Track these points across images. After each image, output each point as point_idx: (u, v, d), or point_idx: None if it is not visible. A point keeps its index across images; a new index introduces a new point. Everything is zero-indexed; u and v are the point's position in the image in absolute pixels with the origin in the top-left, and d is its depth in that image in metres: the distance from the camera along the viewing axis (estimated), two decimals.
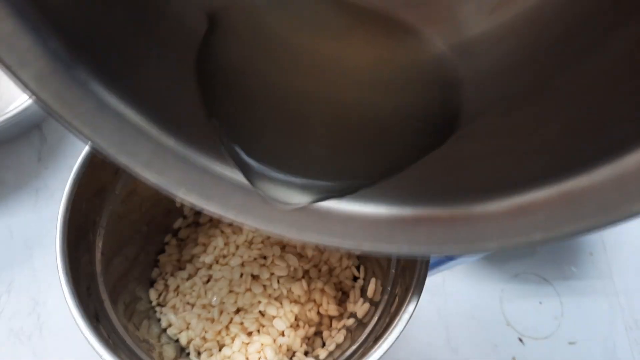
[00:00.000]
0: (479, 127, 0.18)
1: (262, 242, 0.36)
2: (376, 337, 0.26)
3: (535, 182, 0.15)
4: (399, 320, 0.24)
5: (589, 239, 0.51)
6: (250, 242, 0.36)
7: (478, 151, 0.17)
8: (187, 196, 0.19)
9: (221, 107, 0.20)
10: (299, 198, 0.18)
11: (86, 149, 0.26)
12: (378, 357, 0.24)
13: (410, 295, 0.25)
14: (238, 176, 0.19)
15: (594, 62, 0.15)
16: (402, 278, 0.28)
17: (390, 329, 0.24)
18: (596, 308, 0.47)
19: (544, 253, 0.50)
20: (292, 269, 0.35)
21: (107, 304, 0.29)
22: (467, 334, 0.45)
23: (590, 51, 0.15)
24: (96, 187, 0.28)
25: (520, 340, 0.45)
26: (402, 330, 0.24)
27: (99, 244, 0.29)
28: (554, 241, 0.14)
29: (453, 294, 0.47)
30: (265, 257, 0.35)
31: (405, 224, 0.17)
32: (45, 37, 0.15)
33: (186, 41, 0.20)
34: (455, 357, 0.44)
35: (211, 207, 0.19)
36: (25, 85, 0.15)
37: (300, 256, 0.35)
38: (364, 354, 0.25)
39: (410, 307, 0.24)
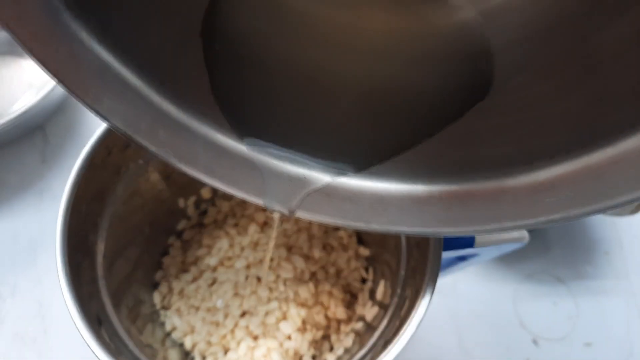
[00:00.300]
0: (501, 98, 0.17)
1: (268, 243, 0.35)
2: (386, 341, 0.25)
3: (557, 155, 0.14)
4: (410, 323, 0.23)
5: (605, 238, 0.49)
6: (256, 244, 0.35)
7: (498, 124, 0.16)
8: (188, 168, 0.18)
9: (227, 81, 0.19)
10: (311, 178, 0.17)
11: (85, 149, 0.26)
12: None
13: (420, 297, 0.24)
14: (243, 149, 0.18)
15: (625, 26, 0.14)
16: (412, 279, 0.27)
17: (401, 332, 0.23)
18: (612, 308, 0.46)
19: (558, 252, 0.48)
20: (298, 270, 0.34)
21: (109, 308, 0.28)
22: (479, 336, 0.44)
23: (620, 14, 0.14)
24: (96, 188, 0.28)
25: (534, 341, 0.44)
26: (413, 334, 0.23)
27: (101, 247, 0.29)
28: (575, 219, 0.13)
29: (465, 295, 0.46)
30: (271, 259, 0.34)
31: (418, 201, 0.16)
32: None
33: (192, 5, 0.19)
34: None
35: (212, 181, 0.18)
36: (24, 45, 0.14)
37: (307, 258, 0.34)
38: (373, 358, 0.24)
39: (421, 310, 0.23)
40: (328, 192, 0.17)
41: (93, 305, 0.26)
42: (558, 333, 0.45)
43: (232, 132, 0.18)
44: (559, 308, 0.46)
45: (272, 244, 0.28)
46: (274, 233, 0.26)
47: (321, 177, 0.18)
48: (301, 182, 0.18)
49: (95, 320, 0.26)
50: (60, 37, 0.15)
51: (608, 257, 0.49)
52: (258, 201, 0.18)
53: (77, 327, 0.23)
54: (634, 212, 0.40)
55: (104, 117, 0.16)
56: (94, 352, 0.22)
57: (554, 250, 0.48)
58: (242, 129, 0.18)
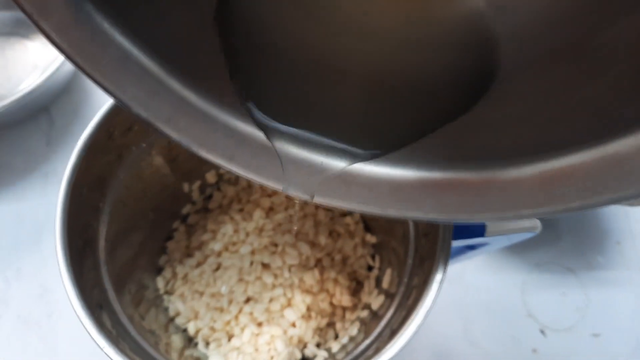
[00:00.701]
0: (514, 87, 0.17)
1: (273, 229, 0.34)
2: (392, 330, 0.25)
3: (574, 145, 0.14)
4: (417, 313, 0.23)
5: (617, 228, 0.49)
6: (261, 229, 0.34)
7: (513, 112, 0.16)
8: (208, 154, 0.18)
9: (243, 65, 0.19)
10: (329, 164, 0.18)
11: (86, 133, 0.25)
12: (394, 352, 0.22)
13: (428, 287, 0.23)
14: (262, 135, 0.18)
15: None
16: (420, 269, 0.26)
17: (408, 322, 0.23)
18: (622, 299, 0.45)
19: (568, 242, 0.48)
20: (304, 257, 0.33)
21: (111, 293, 0.28)
22: (486, 325, 0.43)
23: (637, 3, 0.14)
24: (98, 172, 0.27)
25: (542, 331, 0.44)
26: (420, 325, 0.23)
27: (103, 231, 0.28)
28: (593, 208, 0.13)
29: (472, 284, 0.45)
30: (276, 245, 0.34)
31: (434, 188, 0.16)
32: None
33: None
34: (473, 350, 0.42)
35: (232, 167, 0.18)
36: (47, 36, 0.14)
37: (313, 244, 0.34)
38: (379, 349, 0.23)
39: (429, 300, 0.23)
40: (345, 178, 0.18)
41: (95, 291, 0.26)
42: (566, 323, 0.44)
43: (251, 119, 0.19)
44: (567, 298, 0.45)
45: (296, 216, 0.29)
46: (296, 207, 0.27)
47: (338, 163, 0.18)
48: (319, 168, 0.18)
49: (97, 306, 0.25)
50: (83, 29, 0.15)
51: (620, 247, 0.48)
52: (277, 187, 0.18)
53: (76, 314, 0.23)
54: None
55: (127, 106, 0.17)
56: (93, 339, 0.22)
57: (565, 239, 0.48)
58: (260, 115, 0.19)
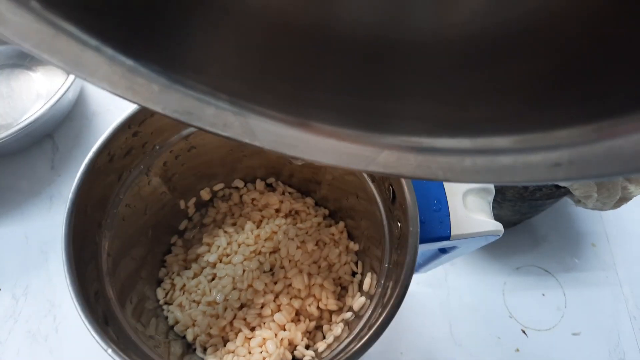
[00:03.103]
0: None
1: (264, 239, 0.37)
2: (370, 326, 0.27)
3: (570, 118, 0.13)
4: (388, 307, 0.25)
5: (592, 231, 0.51)
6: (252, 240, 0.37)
7: (522, 72, 0.15)
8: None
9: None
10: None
11: (88, 156, 0.28)
12: (370, 342, 0.25)
13: (400, 285, 0.25)
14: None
15: None
16: (394, 272, 0.29)
17: (382, 317, 0.25)
18: (600, 299, 0.48)
19: (545, 245, 0.50)
20: (293, 263, 0.36)
21: (115, 306, 0.30)
22: (470, 327, 0.46)
23: None
24: (100, 192, 0.30)
25: (524, 332, 0.46)
26: (392, 317, 0.25)
27: (105, 247, 0.31)
28: (580, 180, 0.13)
29: (455, 287, 0.48)
30: (266, 254, 0.36)
31: (435, 152, 0.15)
32: None
33: None
34: (458, 350, 0.45)
35: (259, 143, 0.16)
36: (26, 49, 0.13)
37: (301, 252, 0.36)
38: (359, 341, 0.25)
39: (398, 296, 0.25)
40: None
41: (100, 305, 0.28)
42: (546, 323, 0.46)
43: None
44: (547, 299, 0.47)
45: None
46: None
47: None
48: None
49: (103, 319, 0.27)
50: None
51: (595, 249, 0.50)
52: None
53: (86, 327, 0.25)
54: (616, 206, 0.42)
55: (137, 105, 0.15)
56: (106, 351, 0.24)
57: (543, 243, 0.50)
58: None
